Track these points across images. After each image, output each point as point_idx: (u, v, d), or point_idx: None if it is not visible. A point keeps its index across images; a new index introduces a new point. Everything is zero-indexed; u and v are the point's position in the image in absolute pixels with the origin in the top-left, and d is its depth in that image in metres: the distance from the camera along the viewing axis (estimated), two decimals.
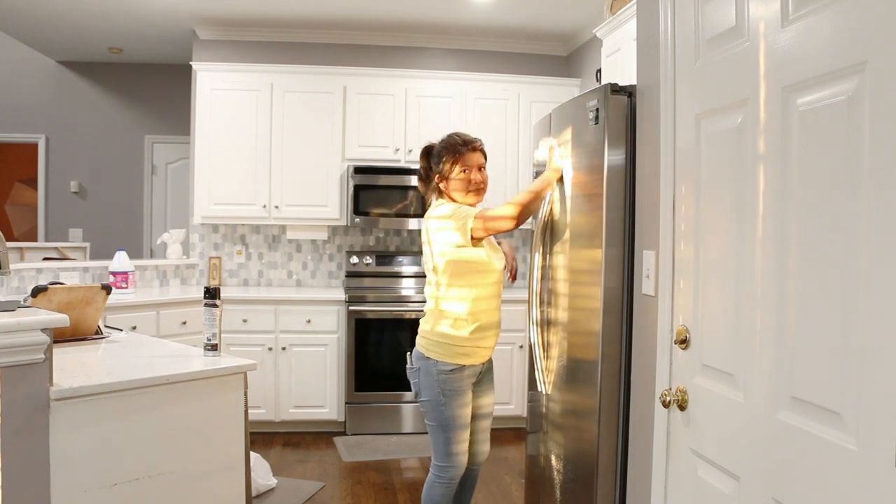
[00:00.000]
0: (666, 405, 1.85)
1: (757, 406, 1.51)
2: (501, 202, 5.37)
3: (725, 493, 1.64)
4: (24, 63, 6.51)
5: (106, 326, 3.01)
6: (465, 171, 2.71)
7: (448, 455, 2.66)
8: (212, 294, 2.39)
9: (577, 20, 5.04)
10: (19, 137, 6.72)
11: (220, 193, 4.96)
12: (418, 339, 2.73)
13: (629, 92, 2.19)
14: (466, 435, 2.70)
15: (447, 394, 2.62)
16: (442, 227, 2.68)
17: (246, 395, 2.39)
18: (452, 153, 2.71)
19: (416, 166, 4.98)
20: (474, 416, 2.78)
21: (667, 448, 1.91)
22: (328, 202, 5.04)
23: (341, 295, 4.80)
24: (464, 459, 2.70)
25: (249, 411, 2.49)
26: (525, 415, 3.40)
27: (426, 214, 2.82)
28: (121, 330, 3.03)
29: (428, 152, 2.84)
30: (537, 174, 2.97)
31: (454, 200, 2.75)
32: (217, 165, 4.95)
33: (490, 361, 2.83)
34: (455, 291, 2.65)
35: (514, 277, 2.96)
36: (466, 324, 2.63)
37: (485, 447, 2.87)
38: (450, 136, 2.80)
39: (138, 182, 6.81)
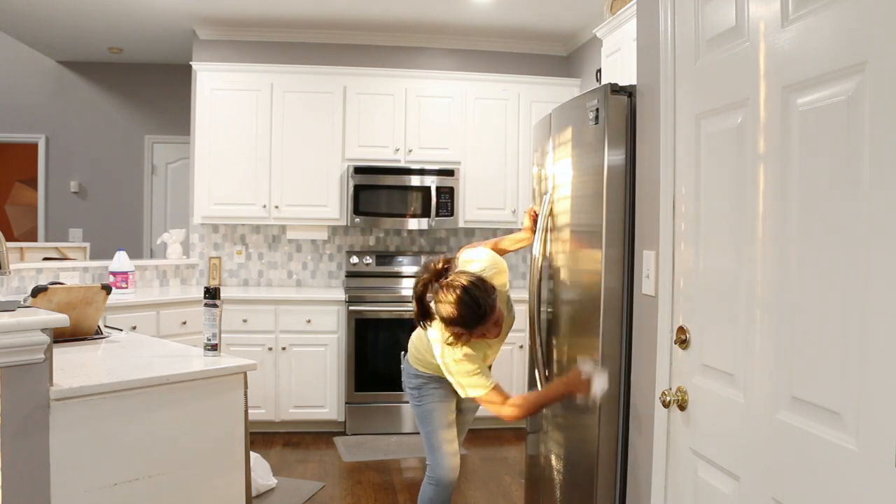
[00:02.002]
0: (666, 405, 1.85)
1: (757, 406, 1.51)
2: (500, 202, 5.36)
3: (725, 493, 1.64)
4: (24, 63, 6.51)
5: (106, 326, 3.01)
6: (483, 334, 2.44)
7: (433, 452, 2.68)
8: (212, 294, 2.39)
9: (577, 20, 5.04)
10: (19, 137, 6.72)
11: (220, 193, 4.96)
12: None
13: (629, 92, 2.19)
14: (451, 435, 2.70)
15: (423, 394, 2.71)
16: (444, 367, 2.50)
17: (246, 395, 2.38)
18: (471, 328, 2.36)
19: (417, 166, 5.04)
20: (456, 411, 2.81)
21: (667, 448, 1.91)
22: (328, 202, 5.04)
23: (341, 295, 4.80)
24: (452, 461, 2.65)
25: (249, 411, 2.49)
26: None
27: (432, 334, 2.50)
28: (121, 330, 3.03)
29: (422, 293, 2.41)
30: (534, 190, 2.97)
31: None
32: (217, 165, 4.95)
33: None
34: None
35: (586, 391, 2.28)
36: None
37: (459, 437, 2.89)
38: (463, 311, 2.30)
39: (138, 182, 6.81)
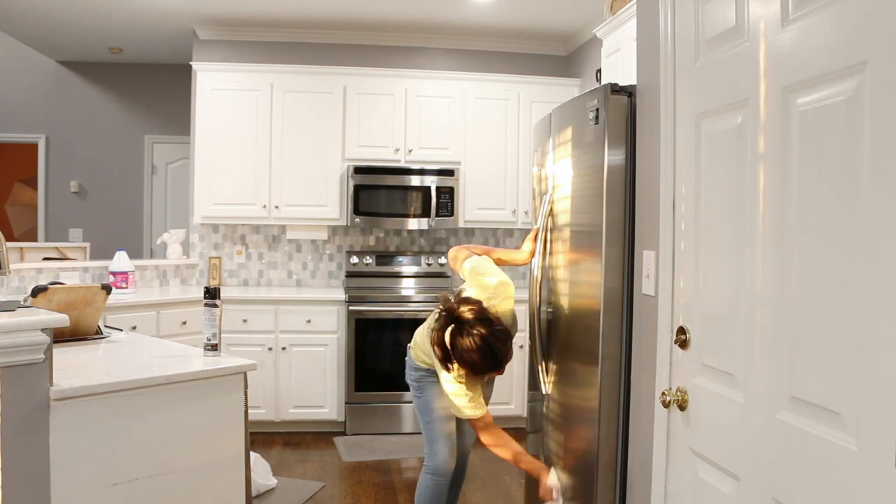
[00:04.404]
0: (666, 405, 1.85)
1: (757, 406, 1.51)
2: (501, 202, 5.36)
3: (725, 493, 1.64)
4: (24, 63, 6.51)
5: (106, 326, 3.01)
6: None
7: (431, 442, 2.78)
8: (212, 294, 2.39)
9: (577, 20, 5.04)
10: (19, 137, 6.72)
11: (220, 193, 4.96)
12: None
13: (629, 92, 2.19)
14: (449, 428, 2.78)
15: (423, 385, 2.80)
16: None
17: (246, 395, 2.38)
18: (483, 373, 2.49)
19: (417, 166, 5.05)
20: None
21: (667, 448, 1.91)
22: (328, 202, 5.04)
23: (341, 295, 4.80)
24: (446, 452, 2.76)
25: (249, 411, 2.49)
26: (525, 415, 3.40)
27: (443, 374, 2.57)
28: (121, 330, 3.03)
29: (441, 337, 2.46)
30: (535, 193, 2.97)
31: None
32: (217, 165, 4.95)
33: None
34: None
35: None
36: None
37: (466, 439, 2.96)
38: (480, 359, 2.40)
39: (138, 182, 6.81)
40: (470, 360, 2.38)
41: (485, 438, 2.64)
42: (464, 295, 2.52)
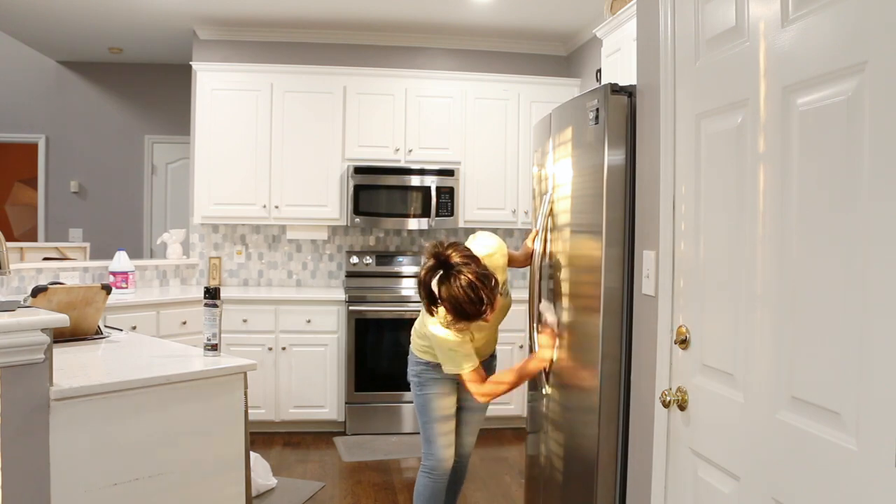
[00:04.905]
0: (666, 405, 1.85)
1: (757, 406, 1.51)
2: (501, 202, 5.35)
3: (725, 493, 1.64)
4: (24, 63, 6.51)
5: (106, 326, 3.01)
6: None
7: (428, 442, 2.77)
8: (212, 294, 2.39)
9: (577, 20, 5.04)
10: (19, 137, 6.72)
11: (220, 193, 4.96)
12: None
13: (629, 92, 2.19)
14: (447, 428, 2.77)
15: (423, 382, 2.77)
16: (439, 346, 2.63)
17: (246, 395, 2.38)
18: (468, 319, 2.47)
19: (417, 166, 5.05)
20: (459, 408, 2.85)
21: (667, 448, 1.91)
22: (328, 202, 5.04)
23: (341, 295, 4.80)
24: (445, 453, 2.76)
25: (249, 411, 2.49)
26: (525, 415, 3.40)
27: (429, 318, 2.59)
28: (121, 330, 3.03)
29: (427, 280, 2.48)
30: (534, 195, 2.97)
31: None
32: (217, 165, 4.95)
33: (489, 359, 2.86)
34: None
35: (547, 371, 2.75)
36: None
37: (467, 440, 2.94)
38: (465, 304, 2.40)
39: (138, 182, 6.81)
40: (452, 303, 2.41)
41: (484, 392, 2.66)
42: (451, 241, 2.56)
